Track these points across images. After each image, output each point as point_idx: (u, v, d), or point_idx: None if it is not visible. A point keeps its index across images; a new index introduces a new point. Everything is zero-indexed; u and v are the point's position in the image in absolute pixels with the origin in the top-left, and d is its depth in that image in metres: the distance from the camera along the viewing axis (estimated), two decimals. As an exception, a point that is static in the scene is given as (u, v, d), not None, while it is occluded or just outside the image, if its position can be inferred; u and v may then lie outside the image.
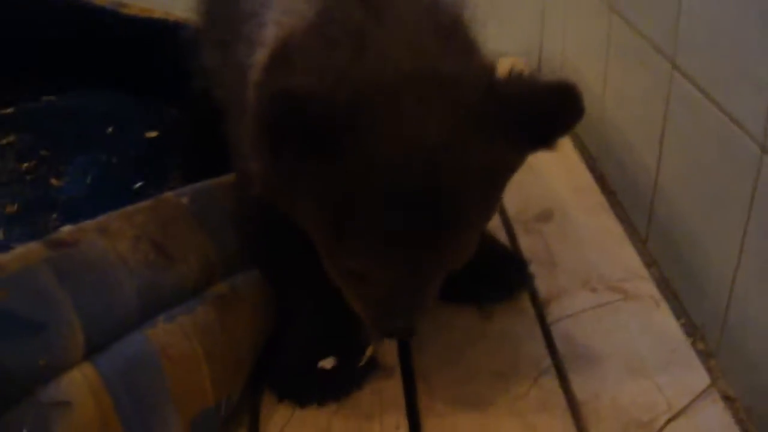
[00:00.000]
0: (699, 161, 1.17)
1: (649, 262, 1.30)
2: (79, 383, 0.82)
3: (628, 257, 1.26)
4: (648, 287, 1.20)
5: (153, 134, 1.39)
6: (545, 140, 0.86)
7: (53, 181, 1.31)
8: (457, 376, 1.06)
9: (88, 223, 0.94)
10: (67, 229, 0.93)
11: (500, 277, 1.18)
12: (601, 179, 1.51)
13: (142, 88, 1.45)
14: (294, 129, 0.78)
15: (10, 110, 1.48)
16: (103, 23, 1.45)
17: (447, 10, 0.90)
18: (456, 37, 0.87)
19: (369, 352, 1.05)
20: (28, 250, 0.87)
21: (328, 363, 1.03)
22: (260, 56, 0.89)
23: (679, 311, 1.21)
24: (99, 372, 0.84)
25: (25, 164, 1.36)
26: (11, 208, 1.27)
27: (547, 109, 0.83)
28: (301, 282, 1.05)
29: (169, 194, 1.05)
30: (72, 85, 1.47)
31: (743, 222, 1.05)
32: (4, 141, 1.42)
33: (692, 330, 1.18)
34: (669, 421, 0.99)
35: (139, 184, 1.27)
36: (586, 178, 1.47)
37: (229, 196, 1.08)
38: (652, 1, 1.31)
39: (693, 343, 1.13)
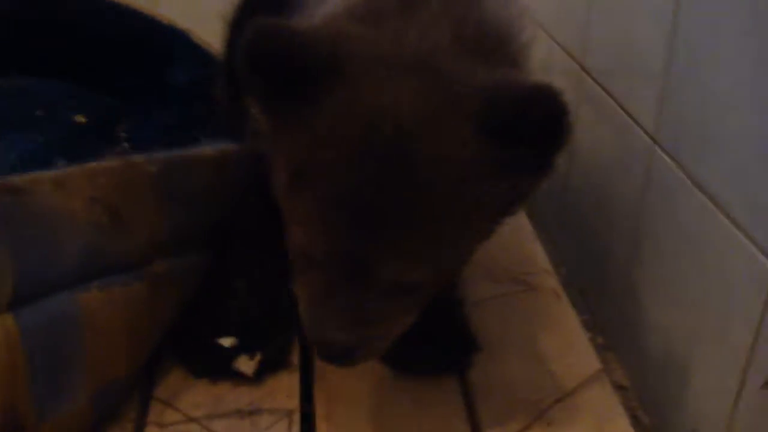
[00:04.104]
0: (602, 158, 1.22)
1: (558, 262, 1.33)
2: None
3: (535, 253, 1.29)
4: (551, 281, 1.23)
5: (82, 119, 1.41)
6: (534, 155, 0.77)
7: (-24, 157, 1.32)
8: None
9: (47, 174, 0.92)
10: (22, 176, 0.90)
11: (439, 352, 1.07)
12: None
13: (78, 74, 1.47)
14: (274, 57, 0.77)
15: (-58, 92, 1.49)
16: (47, 6, 1.46)
17: (486, 19, 0.86)
18: (479, 43, 0.83)
19: (258, 357, 1.04)
20: None
21: (227, 341, 1.04)
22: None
23: (583, 308, 1.24)
24: (18, 324, 0.83)
25: (-50, 141, 1.37)
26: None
27: (525, 118, 0.75)
28: (255, 260, 1.08)
29: (140, 158, 0.99)
30: (11, 69, 1.49)
31: (636, 215, 1.09)
32: (-63, 121, 1.43)
33: (593, 325, 1.21)
34: (556, 402, 1.02)
35: (61, 163, 1.27)
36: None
37: (204, 172, 1.03)
38: (565, 8, 1.37)
39: (593, 338, 1.16)
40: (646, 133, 1.05)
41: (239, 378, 1.03)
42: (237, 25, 1.13)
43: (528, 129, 0.75)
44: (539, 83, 0.78)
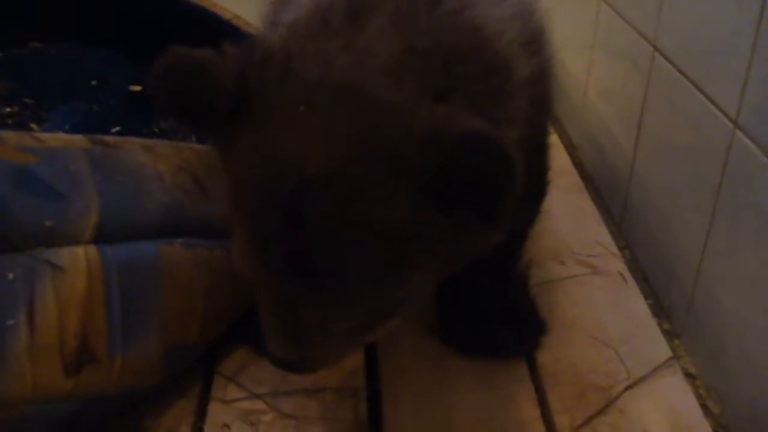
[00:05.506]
0: (674, 143, 1.18)
1: (622, 245, 1.31)
2: (79, 258, 0.84)
3: (600, 236, 1.27)
4: (617, 264, 1.21)
5: (137, 88, 1.39)
6: (464, 203, 0.68)
7: (33, 126, 1.31)
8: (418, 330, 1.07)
9: (135, 139, 0.95)
10: (112, 137, 0.94)
11: (506, 334, 1.05)
12: (580, 165, 1.53)
13: (130, 45, 1.45)
14: (182, 93, 0.71)
15: (-2, 56, 1.48)
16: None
17: (444, 26, 0.75)
18: (431, 59, 0.72)
19: None
20: (71, 137, 0.91)
21: None
22: None
23: (648, 292, 1.21)
24: (101, 258, 0.85)
25: (8, 109, 1.36)
26: (-11, 150, 1.26)
27: (458, 172, 0.66)
28: None
29: None
30: (60, 35, 1.48)
31: (712, 203, 1.06)
32: (-10, 87, 1.42)
33: (659, 311, 1.19)
34: (627, 388, 1.00)
35: (116, 129, 1.27)
36: (566, 162, 1.48)
37: None
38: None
39: (659, 323, 1.14)
40: (727, 116, 1.01)
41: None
42: None
43: (461, 184, 0.66)
44: (474, 131, 0.66)
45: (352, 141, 0.67)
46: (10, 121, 1.34)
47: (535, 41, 0.84)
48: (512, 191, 0.66)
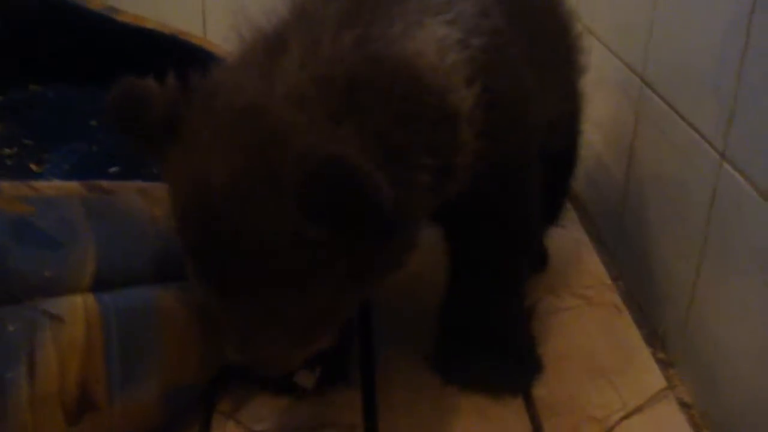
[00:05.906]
0: (664, 174, 1.20)
1: (616, 275, 1.32)
2: (77, 307, 0.85)
3: (594, 267, 1.29)
4: (611, 296, 1.22)
5: (135, 128, 1.41)
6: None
7: (33, 167, 1.33)
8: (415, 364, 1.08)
9: (131, 183, 0.97)
10: (107, 182, 0.96)
11: (503, 371, 1.06)
12: (573, 197, 1.54)
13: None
14: (127, 118, 0.78)
15: (-1, 99, 1.51)
16: (95, 27, 1.47)
17: (340, 58, 0.79)
18: (329, 89, 0.77)
19: (318, 371, 1.02)
20: (67, 184, 0.92)
21: None
22: None
23: (642, 321, 1.23)
24: (100, 306, 0.86)
25: (8, 150, 1.38)
26: (-13, 192, 1.27)
27: (317, 187, 0.70)
28: None
29: None
30: (60, 77, 1.50)
31: (703, 232, 1.07)
32: (-10, 129, 1.44)
33: (653, 340, 1.20)
34: (623, 418, 1.01)
35: (114, 169, 1.28)
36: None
37: None
38: (626, 22, 1.36)
39: (654, 353, 1.15)
40: (714, 148, 1.03)
41: (300, 392, 1.02)
42: None
43: (323, 204, 0.71)
44: (328, 154, 0.70)
45: (247, 157, 0.73)
46: (9, 162, 1.36)
47: (479, 74, 0.86)
48: (370, 213, 0.70)
